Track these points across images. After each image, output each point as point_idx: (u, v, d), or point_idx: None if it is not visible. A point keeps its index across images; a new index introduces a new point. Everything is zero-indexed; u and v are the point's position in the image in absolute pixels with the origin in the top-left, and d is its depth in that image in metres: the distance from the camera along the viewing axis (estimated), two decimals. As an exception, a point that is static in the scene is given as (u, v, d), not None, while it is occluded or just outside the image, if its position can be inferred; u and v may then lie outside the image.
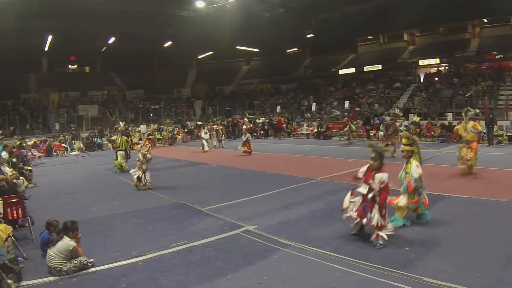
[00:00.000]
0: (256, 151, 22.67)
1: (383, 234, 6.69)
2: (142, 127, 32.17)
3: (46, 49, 42.14)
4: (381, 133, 26.57)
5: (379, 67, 42.38)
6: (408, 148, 7.82)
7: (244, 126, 23.20)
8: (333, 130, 31.86)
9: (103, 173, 17.88)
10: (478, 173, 12.87)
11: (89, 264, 6.35)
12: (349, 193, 7.30)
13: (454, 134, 13.98)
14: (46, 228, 7.03)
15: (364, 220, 6.90)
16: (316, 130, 31.83)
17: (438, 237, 7.01)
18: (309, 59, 53.80)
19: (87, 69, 53.14)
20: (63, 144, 30.08)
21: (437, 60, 38.39)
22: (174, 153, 25.13)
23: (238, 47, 50.83)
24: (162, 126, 35.15)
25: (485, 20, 38.87)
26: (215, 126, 29.23)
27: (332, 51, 48.54)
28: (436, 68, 40.15)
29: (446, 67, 39.51)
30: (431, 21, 39.03)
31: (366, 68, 43.76)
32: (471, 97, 30.56)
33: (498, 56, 34.33)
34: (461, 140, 13.80)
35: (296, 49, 53.66)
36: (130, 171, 13.62)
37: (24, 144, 23.76)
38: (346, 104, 38.23)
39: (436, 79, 38.14)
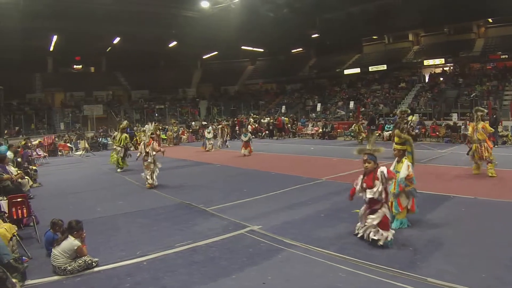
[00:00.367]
0: (261, 151, 22.68)
1: (390, 234, 6.66)
2: (147, 127, 32.19)
3: (51, 49, 42.35)
4: (386, 134, 26.74)
5: (384, 67, 42.42)
6: (399, 147, 7.74)
7: (249, 126, 23.20)
8: (338, 130, 31.84)
9: (108, 173, 17.91)
10: (482, 174, 12.84)
11: (93, 263, 6.36)
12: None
13: (468, 139, 13.78)
14: (51, 227, 7.04)
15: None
16: (321, 130, 31.81)
17: (442, 237, 6.98)
18: (314, 59, 53.85)
19: (92, 69, 53.36)
20: (68, 144, 30.16)
21: (442, 60, 38.40)
22: (179, 153, 25.14)
23: (243, 47, 50.86)
24: (167, 126, 35.21)
25: (490, 20, 38.82)
26: (220, 126, 29.23)
27: (337, 51, 48.55)
28: (441, 68, 40.08)
29: (451, 67, 39.44)
30: (436, 21, 39.01)
31: (371, 68, 43.82)
32: (476, 97, 30.46)
33: (503, 56, 34.24)
34: (469, 141, 13.66)
35: (301, 49, 53.70)
36: (142, 174, 13.67)
37: (29, 144, 23.86)
38: (351, 104, 38.20)
39: (441, 79, 38.09)
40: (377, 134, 26.64)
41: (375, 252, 6.44)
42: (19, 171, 12.62)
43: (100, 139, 32.42)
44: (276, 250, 6.83)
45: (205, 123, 35.03)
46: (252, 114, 41.91)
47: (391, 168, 7.32)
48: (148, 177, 13.31)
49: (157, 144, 13.71)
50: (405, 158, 7.74)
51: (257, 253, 6.75)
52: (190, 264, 6.41)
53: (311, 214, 8.94)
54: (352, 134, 28.76)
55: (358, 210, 7.18)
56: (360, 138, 26.05)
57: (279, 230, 7.89)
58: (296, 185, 12.44)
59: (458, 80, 36.00)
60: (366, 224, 6.84)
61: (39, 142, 27.16)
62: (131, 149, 19.85)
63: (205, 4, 36.23)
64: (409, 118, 18.72)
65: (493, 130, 13.41)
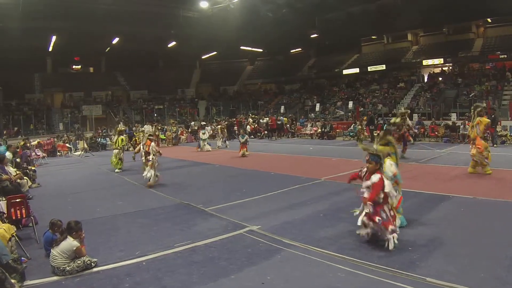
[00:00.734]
0: (259, 151, 22.68)
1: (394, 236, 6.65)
2: (147, 127, 32.23)
3: (50, 49, 42.28)
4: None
5: (383, 67, 42.43)
6: (381, 148, 7.70)
7: (248, 126, 23.19)
8: (337, 130, 31.85)
9: (107, 173, 17.90)
10: (482, 174, 12.87)
11: (92, 264, 6.35)
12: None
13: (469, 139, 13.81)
14: (50, 228, 7.03)
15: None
16: (320, 130, 31.80)
17: (441, 237, 6.98)
18: (313, 59, 53.86)
19: (91, 69, 53.32)
20: (67, 144, 30.13)
21: (441, 60, 38.39)
22: (178, 153, 25.15)
23: (242, 48, 50.84)
24: (165, 127, 35.20)
25: (489, 20, 38.83)
26: (219, 126, 29.24)
27: (336, 51, 48.59)
28: (440, 68, 40.11)
29: (450, 67, 39.48)
30: (435, 21, 39.03)
31: (370, 68, 43.82)
32: (475, 97, 30.48)
33: (502, 56, 34.24)
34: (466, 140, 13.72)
35: (300, 49, 53.70)
36: (147, 174, 13.72)
37: (28, 144, 23.83)
38: (350, 104, 38.22)
39: (440, 79, 38.09)
40: (376, 134, 26.67)
41: (375, 252, 6.44)
42: (18, 172, 12.64)
43: (99, 140, 32.39)
44: (275, 250, 6.83)
45: (204, 123, 35.06)
46: (251, 114, 41.92)
47: None
48: (149, 175, 13.52)
49: (155, 144, 13.87)
50: (388, 158, 7.69)
51: (256, 253, 6.75)
52: (189, 264, 6.40)
53: (311, 214, 8.94)
54: (351, 134, 28.77)
55: (357, 210, 7.18)
56: (362, 137, 25.97)
57: (278, 230, 7.89)
58: (295, 185, 12.45)
59: (457, 80, 36.02)
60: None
61: (38, 142, 27.11)
62: (130, 149, 19.89)
63: (204, 4, 36.27)
64: (393, 120, 18.77)
65: (489, 121, 13.35)
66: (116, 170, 18.01)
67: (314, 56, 54.03)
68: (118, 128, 19.75)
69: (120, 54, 47.11)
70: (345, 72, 46.35)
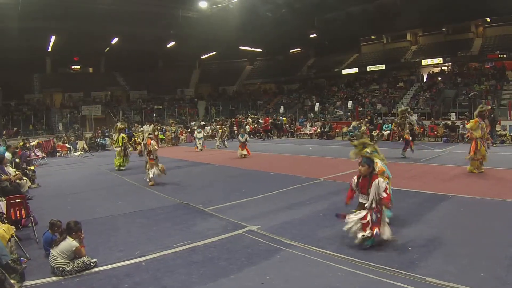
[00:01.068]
0: (259, 151, 22.66)
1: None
2: (146, 127, 32.22)
3: (50, 49, 42.30)
4: (385, 133, 26.79)
5: (382, 67, 42.49)
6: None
7: (248, 126, 23.14)
8: (337, 130, 31.84)
9: (106, 174, 17.89)
10: (482, 173, 12.88)
11: (92, 264, 6.34)
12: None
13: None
14: (49, 228, 7.02)
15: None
16: (319, 130, 31.81)
17: (441, 237, 6.97)
18: (313, 59, 53.91)
19: (91, 69, 53.35)
20: (66, 145, 30.12)
21: (440, 60, 38.47)
22: (178, 153, 25.17)
23: (241, 47, 50.91)
24: (164, 127, 35.18)
25: (488, 20, 38.85)
26: (218, 126, 29.28)
27: (336, 51, 48.62)
28: (439, 68, 40.17)
29: (449, 67, 39.52)
30: (434, 21, 39.07)
31: (369, 68, 43.89)
32: (475, 97, 30.50)
33: (501, 56, 34.24)
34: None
35: (299, 49, 53.75)
36: (149, 173, 13.87)
37: (28, 145, 23.83)
38: (350, 104, 38.22)
39: (439, 78, 38.10)
40: (376, 134, 26.71)
41: (374, 252, 6.43)
42: (17, 172, 12.62)
43: (99, 140, 32.38)
44: (275, 250, 6.82)
45: (203, 123, 35.08)
46: (250, 114, 41.92)
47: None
48: (151, 174, 13.69)
49: (155, 142, 14.05)
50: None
51: (256, 253, 6.75)
52: (189, 264, 6.40)
53: (310, 214, 8.93)
54: (350, 133, 28.76)
55: (356, 210, 7.17)
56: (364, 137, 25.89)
57: (277, 230, 7.89)
58: (295, 185, 12.44)
59: (457, 80, 36.05)
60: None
61: (38, 143, 27.10)
62: (130, 149, 19.93)
63: (203, 4, 36.29)
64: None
65: (473, 125, 13.50)
66: (121, 168, 18.21)
67: (314, 56, 54.07)
68: (118, 127, 19.71)
69: (119, 54, 47.14)
70: (345, 72, 46.41)
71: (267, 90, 55.18)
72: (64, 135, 33.89)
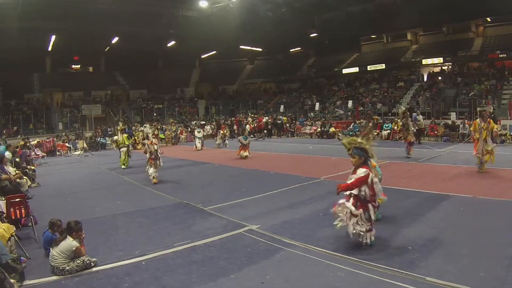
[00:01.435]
0: (259, 151, 22.66)
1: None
2: (146, 127, 32.21)
3: (50, 49, 42.23)
4: (384, 133, 26.78)
5: (383, 66, 42.43)
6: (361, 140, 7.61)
7: (248, 126, 23.09)
8: (337, 129, 31.82)
9: (106, 173, 17.90)
10: (482, 173, 12.91)
11: (92, 263, 6.34)
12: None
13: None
14: (49, 227, 7.02)
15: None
16: (319, 129, 31.81)
17: (441, 237, 6.97)
18: (313, 59, 53.82)
19: (91, 69, 53.23)
20: (67, 144, 30.12)
21: (441, 59, 38.42)
22: (178, 152, 25.16)
23: (241, 47, 50.86)
24: (164, 126, 35.17)
25: (488, 19, 38.75)
26: (221, 130, 29.37)
27: (336, 50, 48.52)
28: (440, 67, 40.12)
29: (450, 66, 39.47)
30: (434, 20, 38.97)
31: (369, 68, 43.83)
32: (475, 97, 30.48)
33: (501, 55, 34.23)
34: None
35: (299, 48, 53.68)
36: (148, 172, 14.06)
37: (28, 144, 23.83)
38: (350, 103, 38.20)
39: (440, 78, 38.04)
40: (376, 133, 26.71)
41: (374, 252, 6.43)
42: (17, 171, 12.60)
43: (99, 139, 32.38)
44: (275, 250, 6.82)
45: (203, 122, 35.09)
46: (250, 114, 41.91)
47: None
48: (154, 174, 13.88)
49: (156, 144, 14.38)
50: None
51: (256, 253, 6.75)
52: (189, 263, 6.40)
53: (310, 214, 8.93)
54: (351, 133, 28.69)
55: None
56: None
57: (278, 229, 7.89)
58: (295, 184, 12.45)
59: (457, 79, 36.01)
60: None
61: (38, 142, 27.10)
62: (130, 149, 20.06)
63: (203, 4, 36.28)
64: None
65: (474, 127, 13.72)
66: (123, 167, 18.51)
67: (314, 55, 53.99)
68: (120, 127, 20.26)
69: (119, 53, 47.07)
70: (345, 71, 46.35)
71: (267, 90, 55.13)
72: (64, 134, 33.87)
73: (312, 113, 39.93)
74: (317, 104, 41.46)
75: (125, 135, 19.70)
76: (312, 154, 21.40)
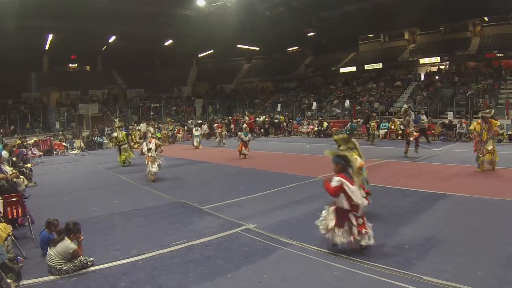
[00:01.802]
0: (256, 150, 22.65)
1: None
2: (143, 126, 32.19)
3: (47, 48, 42.15)
4: (382, 132, 26.80)
5: (380, 65, 42.44)
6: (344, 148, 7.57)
7: (245, 125, 23.01)
8: (334, 128, 31.81)
9: (103, 172, 17.87)
10: (479, 172, 12.95)
11: (89, 263, 6.33)
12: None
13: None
14: (46, 227, 7.01)
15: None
16: (316, 128, 31.82)
17: (438, 236, 6.98)
18: (310, 58, 53.85)
19: (88, 68, 53.22)
20: (64, 143, 30.05)
21: (438, 59, 38.46)
22: (175, 151, 25.13)
23: (239, 46, 50.83)
24: (160, 125, 35.12)
25: (486, 19, 38.83)
26: (215, 125, 29.36)
27: (333, 49, 48.53)
28: (437, 67, 40.18)
29: (447, 66, 39.52)
30: (432, 19, 39.02)
31: (367, 67, 43.82)
32: (472, 96, 30.52)
33: (498, 55, 34.29)
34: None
35: (297, 47, 53.74)
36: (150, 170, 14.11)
37: (25, 143, 23.77)
38: (347, 102, 38.21)
39: (437, 77, 38.12)
40: (373, 133, 26.69)
41: (372, 251, 6.42)
42: (14, 171, 12.59)
43: (96, 138, 32.34)
44: (272, 249, 6.83)
45: (201, 121, 35.07)
46: (247, 113, 41.87)
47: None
48: (153, 170, 13.97)
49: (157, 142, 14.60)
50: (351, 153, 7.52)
51: (253, 252, 6.75)
52: (186, 263, 6.40)
53: (307, 213, 8.90)
54: (347, 132, 28.65)
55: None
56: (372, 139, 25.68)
57: (275, 228, 7.89)
58: (292, 183, 12.46)
59: (454, 79, 36.06)
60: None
61: (35, 141, 27.03)
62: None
63: (201, 3, 36.23)
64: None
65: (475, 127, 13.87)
66: (125, 164, 18.71)
67: (311, 54, 54.02)
68: (117, 125, 20.27)
69: (116, 52, 46.99)
70: (342, 70, 46.34)
71: (264, 89, 55.12)
72: (61, 133, 33.80)
73: (309, 112, 39.91)
74: (314, 103, 41.44)
75: (124, 132, 19.78)
76: (309, 153, 21.43)
